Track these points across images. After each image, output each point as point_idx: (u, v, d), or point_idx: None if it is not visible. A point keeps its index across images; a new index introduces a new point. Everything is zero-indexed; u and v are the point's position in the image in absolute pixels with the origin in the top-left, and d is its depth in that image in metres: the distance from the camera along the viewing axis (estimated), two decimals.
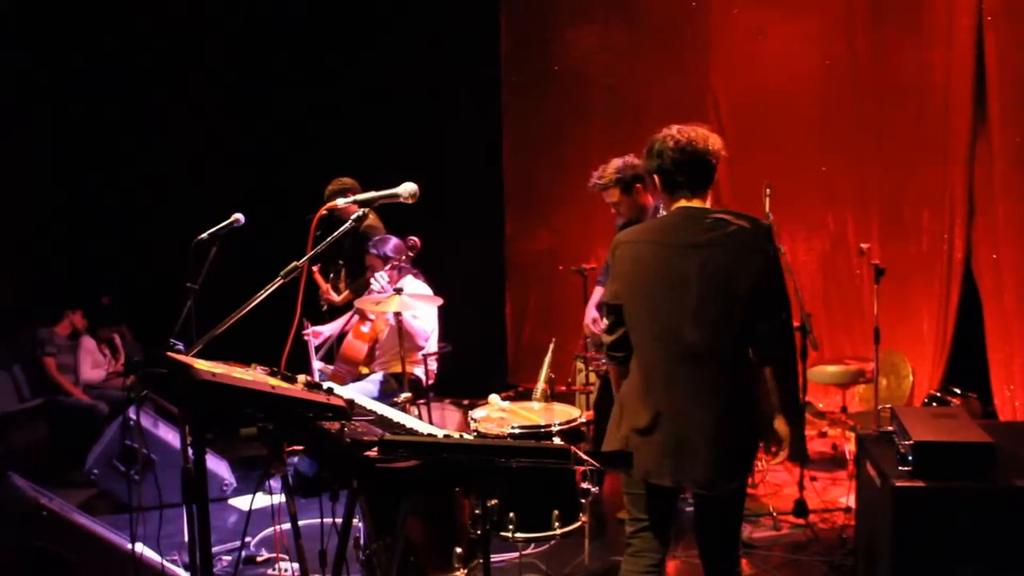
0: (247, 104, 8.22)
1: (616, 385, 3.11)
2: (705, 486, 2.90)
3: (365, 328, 5.71)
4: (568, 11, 7.86)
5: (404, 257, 5.45)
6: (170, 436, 5.48)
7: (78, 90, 7.74)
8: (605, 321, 3.12)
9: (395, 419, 2.91)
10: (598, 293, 5.11)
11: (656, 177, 3.07)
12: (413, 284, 5.43)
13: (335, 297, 6.09)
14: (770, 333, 2.91)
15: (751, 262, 2.85)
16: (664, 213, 3.11)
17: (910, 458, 3.36)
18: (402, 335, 4.90)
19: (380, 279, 5.27)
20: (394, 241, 5.47)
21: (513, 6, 8.06)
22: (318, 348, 5.81)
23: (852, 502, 4.39)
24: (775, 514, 4.92)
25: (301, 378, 2.65)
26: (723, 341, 2.86)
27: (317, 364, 5.65)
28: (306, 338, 5.57)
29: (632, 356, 3.00)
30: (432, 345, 5.51)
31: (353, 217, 3.02)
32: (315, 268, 6.11)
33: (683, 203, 2.99)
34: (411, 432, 2.78)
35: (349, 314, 5.82)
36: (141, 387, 2.35)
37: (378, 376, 5.50)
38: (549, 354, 4.94)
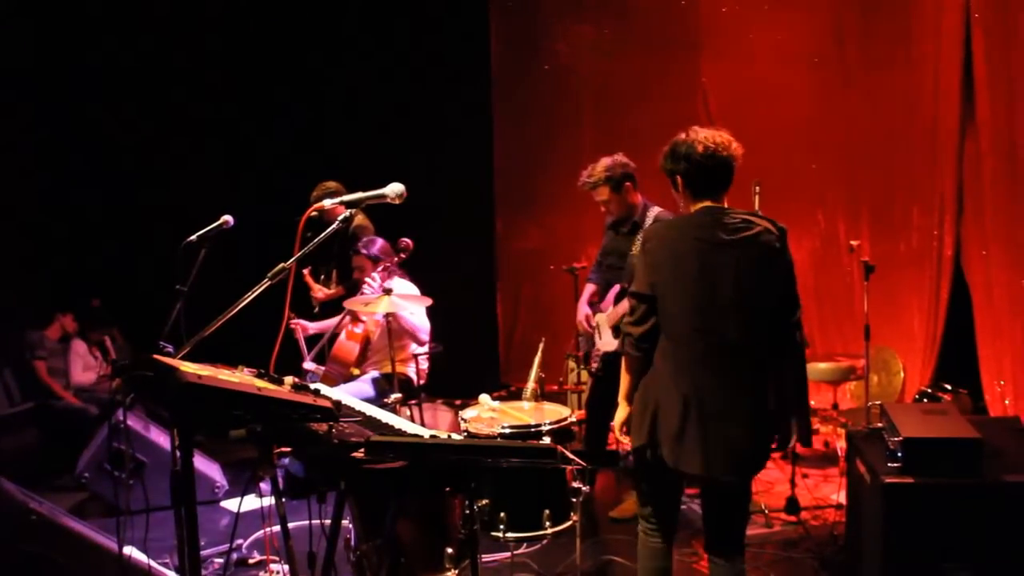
0: (239, 105, 8.19)
1: (633, 376, 3.16)
2: (733, 475, 3.02)
3: (358, 329, 5.71)
4: (558, 10, 7.87)
5: (395, 258, 5.45)
6: (161, 439, 5.46)
7: (75, 91, 7.72)
8: (630, 312, 3.12)
9: (383, 420, 2.90)
10: (589, 291, 5.11)
11: (679, 178, 3.14)
12: (402, 284, 5.43)
13: (322, 293, 6.07)
14: (790, 328, 3.07)
15: (778, 262, 3.02)
16: (687, 212, 3.16)
17: (899, 454, 3.37)
18: (391, 336, 4.89)
19: (372, 281, 5.28)
20: (381, 242, 5.48)
21: (503, 5, 8.05)
22: (309, 348, 5.80)
23: (843, 499, 4.40)
24: (767, 511, 4.93)
25: (288, 380, 2.65)
26: (755, 336, 2.99)
27: (309, 365, 5.64)
28: (292, 327, 5.61)
29: (656, 348, 3.06)
30: (423, 346, 5.51)
31: (340, 218, 3.03)
32: (306, 270, 6.10)
33: (706, 203, 3.09)
34: (399, 433, 2.77)
35: (341, 315, 5.80)
36: (128, 390, 2.34)
37: (371, 376, 5.49)
38: (540, 354, 4.93)
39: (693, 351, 2.98)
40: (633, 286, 3.11)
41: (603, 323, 4.90)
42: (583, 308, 5.06)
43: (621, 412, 3.25)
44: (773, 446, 3.14)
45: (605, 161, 4.75)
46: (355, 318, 5.69)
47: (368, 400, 4.01)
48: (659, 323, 3.04)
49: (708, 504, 3.25)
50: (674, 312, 3.00)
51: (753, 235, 2.98)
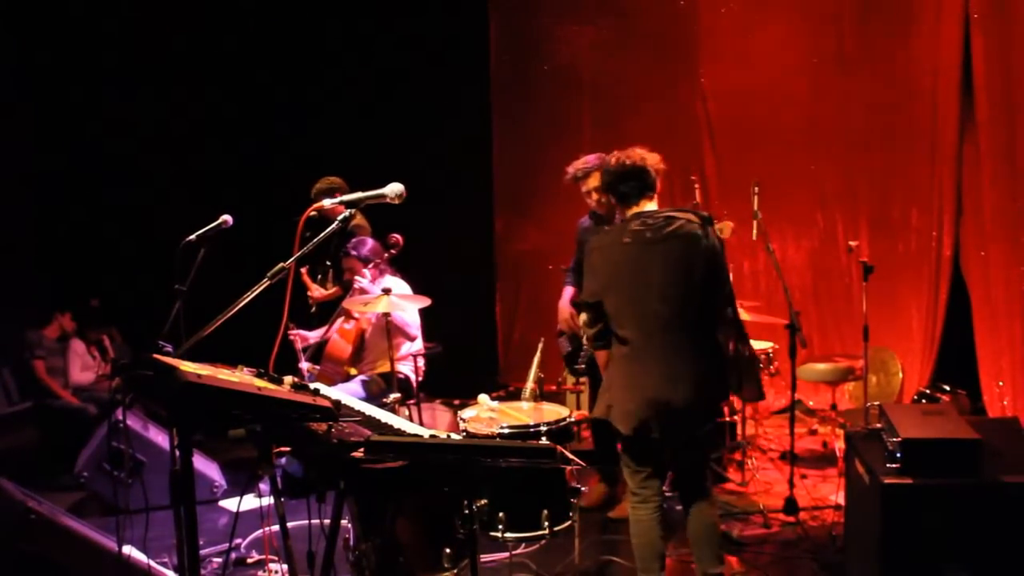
0: (239, 104, 8.19)
1: (603, 366, 3.72)
2: (684, 431, 3.58)
3: (348, 326, 5.70)
4: (557, 10, 7.87)
5: (383, 257, 5.45)
6: (160, 438, 5.46)
7: (74, 90, 7.72)
8: (584, 317, 3.68)
9: (382, 420, 2.90)
10: (569, 292, 5.08)
11: (608, 195, 3.79)
12: (397, 283, 5.43)
13: (319, 292, 6.07)
14: (722, 302, 3.62)
15: (701, 248, 3.49)
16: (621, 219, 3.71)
17: (898, 455, 3.37)
18: (390, 334, 4.88)
19: (362, 279, 5.28)
20: (371, 243, 5.48)
21: (502, 5, 8.06)
22: (305, 349, 5.79)
23: (842, 499, 4.40)
24: (765, 512, 4.93)
25: (288, 379, 2.65)
26: (687, 313, 3.49)
27: (304, 364, 5.64)
28: (292, 338, 5.59)
29: (612, 340, 3.60)
30: (419, 344, 5.51)
31: (340, 218, 3.02)
32: (303, 269, 6.09)
33: (635, 209, 3.59)
34: (398, 433, 2.77)
35: (336, 314, 5.79)
36: (127, 389, 2.34)
37: (364, 377, 5.49)
38: (538, 354, 4.94)
39: (637, 336, 3.51)
40: (581, 297, 3.69)
41: None
42: (567, 309, 5.04)
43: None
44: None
45: (598, 154, 4.72)
46: (347, 316, 5.69)
47: (361, 400, 4.01)
48: (606, 322, 3.59)
49: (675, 458, 3.79)
50: (616, 308, 3.55)
51: (677, 229, 3.48)
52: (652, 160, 3.60)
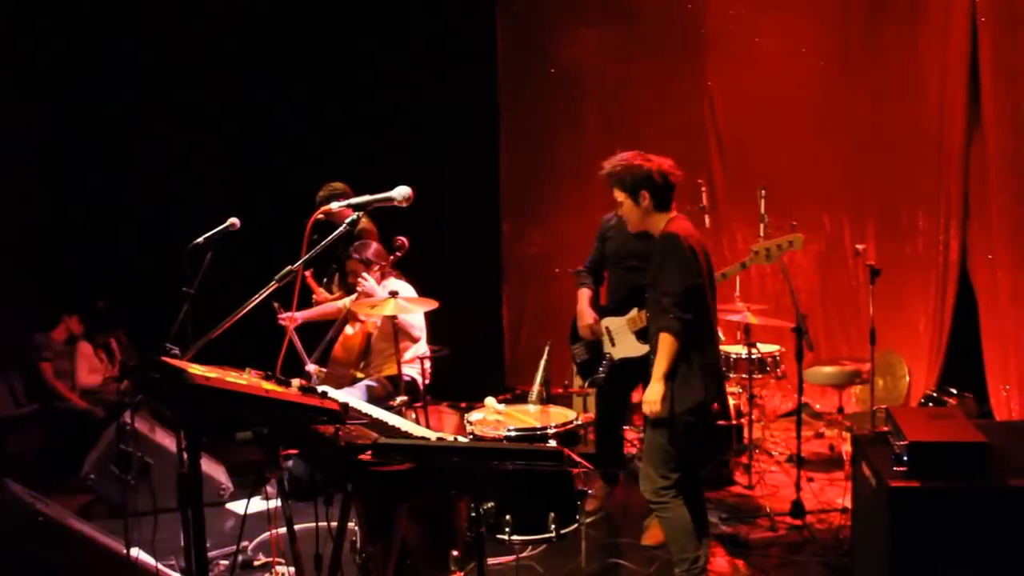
0: (245, 107, 8.20)
1: (673, 358, 3.77)
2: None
3: (350, 330, 5.71)
4: (564, 13, 7.86)
5: (387, 260, 5.45)
6: (167, 441, 5.46)
7: (80, 92, 7.75)
8: (681, 302, 3.76)
9: (389, 422, 2.91)
10: (586, 296, 4.96)
11: (651, 198, 3.90)
12: (397, 286, 5.42)
13: (324, 296, 6.07)
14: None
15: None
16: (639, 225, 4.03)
17: (905, 458, 3.36)
18: (397, 337, 4.88)
19: (365, 282, 5.28)
20: (375, 246, 5.47)
21: (509, 8, 8.06)
22: (306, 345, 5.74)
23: (849, 503, 4.40)
24: (772, 515, 4.92)
25: (296, 382, 2.65)
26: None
27: (311, 367, 5.63)
28: (282, 323, 5.45)
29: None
30: (424, 347, 5.50)
31: (347, 221, 3.02)
32: (308, 272, 6.09)
33: (667, 215, 3.90)
34: (405, 435, 2.78)
35: (341, 316, 5.77)
36: (136, 392, 2.35)
37: (371, 380, 5.49)
38: (545, 357, 4.93)
39: (710, 329, 3.96)
40: (680, 286, 3.75)
41: (621, 329, 4.69)
42: (588, 314, 4.87)
43: (660, 388, 3.77)
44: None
45: (635, 152, 4.40)
46: (353, 318, 5.68)
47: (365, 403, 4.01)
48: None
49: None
50: (702, 301, 3.83)
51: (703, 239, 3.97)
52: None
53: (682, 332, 3.74)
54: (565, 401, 6.38)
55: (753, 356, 5.61)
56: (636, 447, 5.72)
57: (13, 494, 3.79)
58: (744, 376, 5.62)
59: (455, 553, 3.36)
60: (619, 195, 4.01)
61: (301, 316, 5.73)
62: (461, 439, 2.77)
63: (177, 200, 7.79)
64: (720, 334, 5.37)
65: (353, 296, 5.51)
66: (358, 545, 3.25)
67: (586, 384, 5.19)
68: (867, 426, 5.14)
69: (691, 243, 3.80)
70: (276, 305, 5.37)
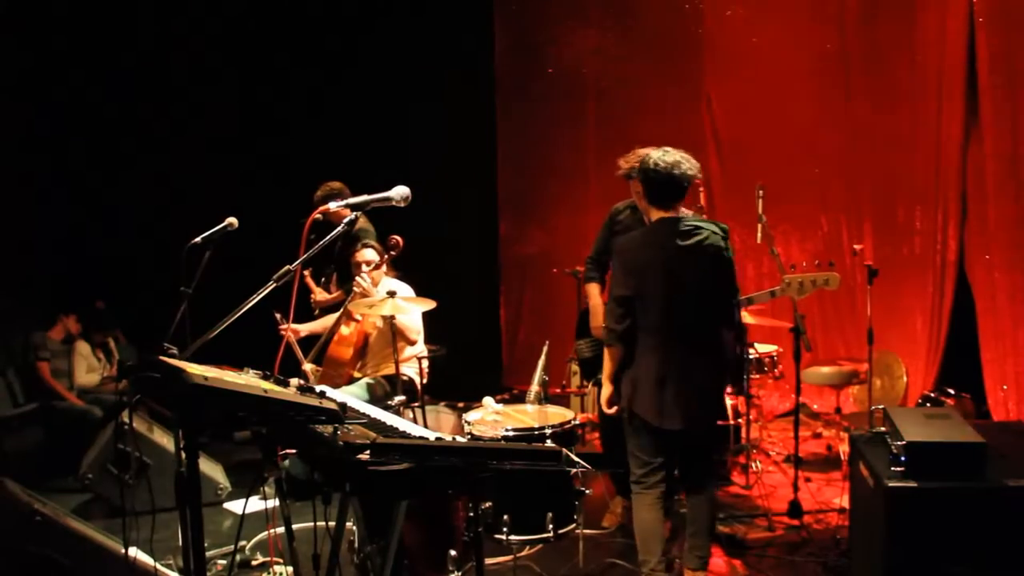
0: (244, 106, 8.21)
1: (615, 363, 3.88)
2: (699, 424, 3.84)
3: (346, 330, 5.70)
4: (562, 14, 7.88)
5: (385, 257, 5.45)
6: (165, 440, 5.46)
7: (77, 90, 7.74)
8: (614, 311, 3.79)
9: (387, 422, 2.91)
10: (596, 290, 4.91)
11: (642, 187, 3.84)
12: (399, 286, 5.42)
13: (322, 296, 6.06)
14: (732, 309, 3.92)
15: (722, 260, 3.78)
16: (648, 220, 3.89)
17: (903, 459, 3.36)
18: (395, 337, 4.88)
19: (363, 281, 5.27)
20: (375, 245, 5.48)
21: (507, 9, 8.07)
22: (305, 350, 5.75)
23: (846, 503, 4.40)
24: (770, 515, 4.93)
25: (294, 382, 2.65)
26: (707, 315, 3.79)
27: (308, 367, 5.63)
28: (283, 333, 5.47)
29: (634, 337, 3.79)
30: (422, 347, 5.50)
31: (345, 221, 3.02)
32: (306, 272, 6.09)
33: (667, 213, 3.77)
34: (403, 435, 2.78)
35: (338, 316, 5.77)
36: (134, 391, 2.35)
37: (368, 380, 5.48)
38: (543, 356, 4.93)
39: (662, 337, 3.74)
40: (612, 293, 3.83)
41: None
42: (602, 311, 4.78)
43: (607, 390, 3.95)
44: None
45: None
46: (348, 318, 5.68)
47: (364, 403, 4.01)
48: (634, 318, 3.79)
49: (683, 456, 3.97)
50: (648, 307, 3.75)
51: (702, 239, 3.71)
52: (694, 170, 3.77)
53: (612, 341, 3.87)
54: (563, 401, 6.39)
55: (751, 356, 5.61)
56: None
57: (11, 493, 3.78)
58: (743, 376, 5.62)
59: (453, 553, 3.37)
60: (634, 185, 4.23)
61: (305, 329, 5.75)
62: (459, 439, 2.77)
63: (176, 199, 7.79)
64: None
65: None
66: (356, 544, 3.25)
67: (590, 383, 5.20)
68: (864, 426, 5.14)
69: (637, 255, 3.78)
70: (278, 316, 5.38)
